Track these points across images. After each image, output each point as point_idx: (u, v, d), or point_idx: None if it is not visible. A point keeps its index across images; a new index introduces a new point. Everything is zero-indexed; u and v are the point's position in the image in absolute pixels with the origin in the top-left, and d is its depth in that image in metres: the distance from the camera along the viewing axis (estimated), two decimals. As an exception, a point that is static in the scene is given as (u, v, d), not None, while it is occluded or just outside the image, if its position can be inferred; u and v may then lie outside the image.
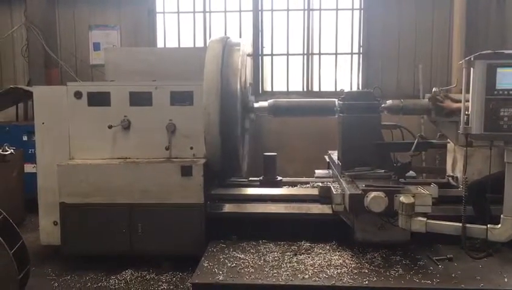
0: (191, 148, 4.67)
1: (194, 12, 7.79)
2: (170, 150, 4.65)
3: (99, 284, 4.30)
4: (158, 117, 4.66)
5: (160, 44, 7.86)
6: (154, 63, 5.09)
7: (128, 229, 4.48)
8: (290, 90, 7.91)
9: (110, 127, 4.61)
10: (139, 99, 4.67)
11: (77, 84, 5.10)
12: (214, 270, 3.77)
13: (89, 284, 4.31)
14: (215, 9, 7.81)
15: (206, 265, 3.88)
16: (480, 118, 3.23)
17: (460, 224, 3.52)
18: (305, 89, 7.88)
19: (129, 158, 4.69)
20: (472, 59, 3.27)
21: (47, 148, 4.74)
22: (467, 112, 3.35)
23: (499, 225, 3.42)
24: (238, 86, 4.46)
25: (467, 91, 3.35)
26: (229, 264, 3.88)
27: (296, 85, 7.92)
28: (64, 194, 4.49)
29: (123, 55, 5.40)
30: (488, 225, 3.46)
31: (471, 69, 3.28)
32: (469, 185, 4.30)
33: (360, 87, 7.53)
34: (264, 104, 4.90)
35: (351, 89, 7.66)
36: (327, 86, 7.81)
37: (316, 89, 7.86)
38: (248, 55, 7.74)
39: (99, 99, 4.69)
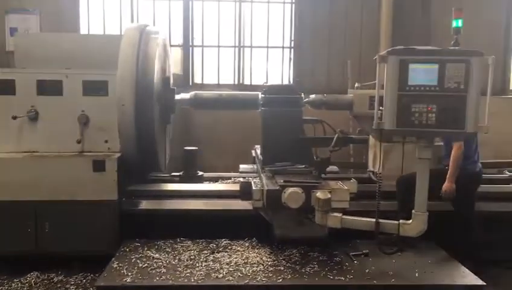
0: (106, 141, 4.41)
1: (120, -2, 7.42)
2: (82, 143, 4.37)
3: (0, 288, 3.96)
4: (69, 108, 4.36)
5: (84, 30, 7.42)
6: (69, 50, 4.73)
7: (34, 228, 4.16)
8: (221, 83, 7.72)
9: (14, 117, 4.26)
10: (48, 88, 4.36)
11: (-23, 71, 4.66)
12: (122, 271, 3.55)
13: (-12, 288, 3.97)
14: (143, -3, 7.47)
15: (115, 266, 3.65)
16: (392, 114, 3.21)
17: (374, 219, 3.52)
18: (236, 82, 7.72)
19: (36, 152, 4.35)
20: (385, 55, 3.24)
21: None
22: (380, 108, 3.33)
23: (410, 221, 3.45)
24: (156, 76, 4.23)
25: (381, 87, 3.32)
26: (140, 265, 3.68)
27: (228, 78, 7.75)
28: (-38, 191, 4.09)
29: (35, 41, 4.99)
30: (400, 221, 3.48)
31: (385, 64, 3.25)
32: (396, 180, 4.38)
33: (292, 81, 7.47)
34: (185, 96, 4.70)
35: (282, 83, 7.60)
36: (259, 80, 7.70)
37: (247, 82, 7.72)
38: (177, 45, 7.57)
39: (2, 88, 4.32)
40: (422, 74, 3.20)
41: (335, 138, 4.21)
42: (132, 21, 7.40)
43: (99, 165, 4.16)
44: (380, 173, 3.58)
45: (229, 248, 4.07)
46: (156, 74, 4.25)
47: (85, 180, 4.19)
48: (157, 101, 4.39)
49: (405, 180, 4.01)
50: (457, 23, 3.32)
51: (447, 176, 4.09)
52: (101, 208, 4.20)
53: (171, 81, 4.93)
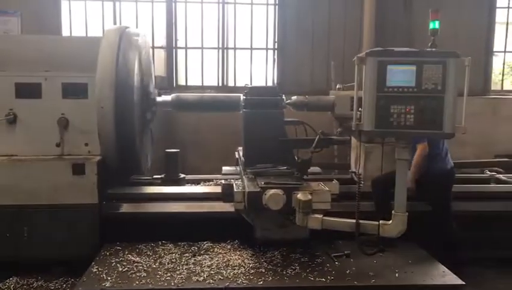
0: (86, 144, 4.35)
1: (102, 0, 7.35)
2: (62, 146, 4.31)
3: (-23, 296, 3.90)
4: (48, 111, 4.29)
5: (66, 32, 7.35)
6: (49, 52, 4.66)
7: (13, 233, 4.10)
8: (205, 84, 7.71)
9: (-8, 121, 4.19)
10: (27, 91, 4.28)
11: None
12: (102, 276, 3.51)
13: (-35, 295, 3.90)
14: (125, -2, 7.43)
15: (94, 270, 3.61)
16: (371, 115, 3.23)
17: (354, 220, 3.53)
18: (220, 84, 7.72)
19: (15, 155, 4.28)
20: (364, 56, 3.26)
21: None
22: (360, 109, 3.34)
23: (390, 221, 3.47)
24: (136, 79, 4.21)
25: (360, 88, 3.33)
26: (120, 269, 3.64)
27: (211, 80, 7.73)
28: None
29: (14, 43, 4.91)
30: (380, 221, 3.50)
31: (364, 66, 3.27)
32: (372, 180, 4.40)
33: (276, 83, 7.48)
34: (166, 98, 4.68)
35: (266, 84, 7.61)
36: (243, 81, 7.68)
37: (231, 83, 7.72)
38: (160, 47, 7.53)
39: (-21, 91, 4.24)
40: (400, 75, 3.22)
41: (316, 139, 4.21)
42: (115, 23, 7.35)
43: (78, 169, 4.11)
44: (360, 174, 3.59)
45: (211, 250, 4.05)
46: (136, 76, 4.22)
47: (65, 183, 4.14)
48: (138, 103, 4.36)
49: (380, 181, 4.02)
50: (434, 24, 3.34)
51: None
52: (81, 211, 4.15)
53: (153, 83, 4.90)
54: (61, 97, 4.30)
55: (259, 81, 7.69)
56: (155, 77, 7.17)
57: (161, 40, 7.60)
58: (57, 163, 4.18)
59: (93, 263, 3.76)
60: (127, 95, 4.17)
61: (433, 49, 3.28)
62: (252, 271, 3.61)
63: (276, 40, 7.67)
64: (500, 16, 7.95)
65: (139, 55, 4.39)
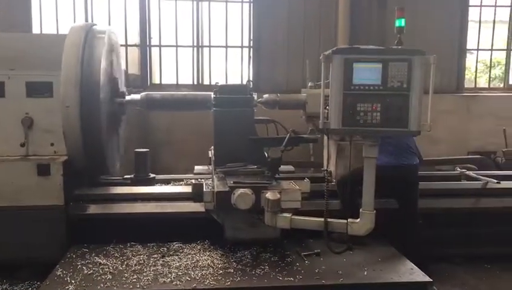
0: (52, 144, 4.24)
1: (74, -3, 7.23)
2: (27, 146, 4.20)
3: None
4: (12, 110, 4.17)
5: (36, 30, 7.20)
6: (13, 50, 4.54)
7: (-25, 236, 3.99)
8: (180, 83, 7.63)
9: (-47, 121, 4.06)
10: (-11, 90, 4.16)
11: None
12: (66, 279, 3.43)
13: None
14: (97, -5, 7.30)
15: (59, 273, 3.52)
16: (338, 113, 3.20)
17: (323, 219, 3.51)
18: (195, 82, 7.66)
19: (-23, 156, 4.16)
20: (330, 54, 3.24)
21: None
22: (326, 107, 3.32)
23: (358, 219, 3.46)
24: (102, 77, 4.12)
25: (327, 86, 3.31)
26: (85, 271, 3.56)
27: (187, 78, 7.66)
28: None
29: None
30: (349, 219, 3.49)
31: (330, 64, 3.25)
32: (339, 179, 4.39)
33: (247, 81, 7.42)
34: (136, 97, 4.61)
35: (241, 82, 7.56)
36: (218, 80, 7.62)
37: (206, 82, 7.66)
38: (134, 45, 7.42)
39: None
40: (366, 73, 3.20)
41: (286, 138, 4.18)
42: (86, 21, 7.22)
43: (43, 169, 4.01)
44: (328, 172, 3.58)
45: (180, 251, 3.99)
46: (102, 75, 4.13)
47: (29, 185, 4.03)
48: (105, 102, 4.27)
49: (345, 179, 4.01)
50: (400, 22, 3.33)
51: None
52: (47, 213, 4.05)
53: (122, 81, 4.81)
54: (25, 96, 4.19)
55: (235, 80, 7.66)
56: (129, 75, 7.11)
57: (135, 38, 7.50)
58: (21, 164, 4.07)
59: (57, 265, 3.67)
60: (93, 93, 4.08)
61: (399, 47, 3.27)
62: (221, 272, 3.56)
63: (251, 38, 7.63)
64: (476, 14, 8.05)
65: (107, 53, 4.30)
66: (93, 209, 4.25)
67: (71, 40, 4.14)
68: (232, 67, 7.71)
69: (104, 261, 3.76)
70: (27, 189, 4.04)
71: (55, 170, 4.04)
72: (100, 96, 4.12)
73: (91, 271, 3.57)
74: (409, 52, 3.16)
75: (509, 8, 8.07)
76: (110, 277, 3.46)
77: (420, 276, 3.50)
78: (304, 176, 4.60)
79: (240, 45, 7.66)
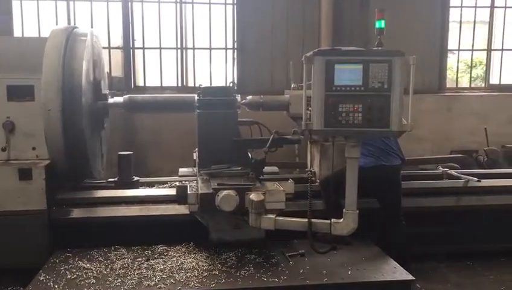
0: (34, 148, 4.21)
1: (55, 0, 7.14)
2: (8, 151, 4.16)
3: None
4: (-7, 114, 4.13)
5: (18, 33, 7.11)
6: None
7: (-45, 242, 3.94)
8: (164, 85, 7.60)
9: None
10: (-30, 94, 4.11)
11: None
12: (49, 284, 3.40)
13: None
14: (79, -2, 7.23)
15: (42, 279, 3.49)
16: (320, 114, 3.22)
17: (307, 220, 3.53)
18: (180, 84, 7.63)
19: (-42, 161, 4.10)
20: (312, 55, 3.26)
21: None
22: (309, 109, 3.35)
23: (341, 219, 3.49)
24: (84, 80, 4.09)
25: (309, 87, 3.33)
26: (69, 276, 3.53)
27: (171, 80, 7.64)
28: None
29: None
30: (332, 220, 3.51)
31: (312, 65, 3.27)
32: (320, 180, 4.42)
33: (230, 83, 7.43)
34: (118, 99, 4.58)
35: (226, 84, 7.56)
36: (203, 81, 7.60)
37: (191, 84, 7.64)
38: (117, 47, 7.38)
39: None
40: (347, 74, 3.22)
41: (270, 139, 4.20)
42: (69, 23, 7.15)
43: (25, 174, 3.97)
44: (312, 172, 3.60)
45: (165, 254, 3.98)
46: (84, 78, 4.11)
47: (11, 189, 4.00)
48: (88, 105, 4.25)
49: (329, 179, 4.04)
50: (380, 24, 3.36)
51: None
52: (29, 218, 4.02)
53: (105, 84, 4.79)
54: (6, 100, 4.14)
55: (219, 81, 7.65)
56: (112, 78, 7.07)
57: (118, 40, 7.45)
58: (2, 168, 4.03)
59: (41, 271, 3.64)
60: (75, 97, 4.05)
61: (379, 48, 3.30)
62: (205, 274, 3.56)
63: (235, 39, 7.64)
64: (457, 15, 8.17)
65: (89, 56, 4.28)
66: (76, 213, 4.23)
67: (52, 43, 4.11)
68: (216, 69, 7.71)
69: (88, 265, 3.74)
70: (9, 194, 4.01)
71: (37, 175, 4.00)
72: (82, 99, 4.09)
73: (74, 276, 3.54)
74: (389, 53, 3.19)
75: (489, 9, 8.19)
76: (94, 281, 3.44)
77: (403, 275, 3.54)
78: (288, 177, 4.64)
79: (224, 46, 7.66)
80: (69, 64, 4.07)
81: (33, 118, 4.14)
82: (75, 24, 6.99)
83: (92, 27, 7.11)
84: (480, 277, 4.52)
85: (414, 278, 3.50)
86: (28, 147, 4.19)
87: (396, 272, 3.58)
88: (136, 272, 3.61)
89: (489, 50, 8.28)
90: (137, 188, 4.77)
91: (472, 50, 8.27)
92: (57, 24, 7.14)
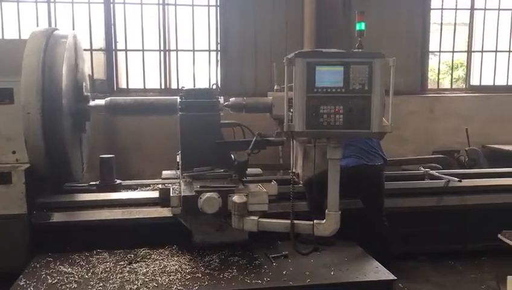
0: (14, 152, 4.15)
1: (36, 1, 7.05)
2: (-13, 155, 4.09)
3: None
4: (-29, 118, 4.07)
5: (-3, 35, 7.01)
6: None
7: None
8: (147, 87, 7.55)
9: None
10: None
11: None
12: (29, 289, 3.36)
13: None
14: (60, 0, 7.14)
15: (22, 284, 3.44)
16: (302, 116, 3.24)
17: (289, 221, 3.54)
18: (163, 86, 7.59)
19: None
20: (293, 57, 3.27)
21: None
22: (291, 110, 3.36)
23: (324, 220, 3.50)
24: (64, 83, 4.05)
25: (290, 89, 3.35)
26: (50, 281, 3.49)
27: (154, 82, 7.59)
28: None
29: None
30: (314, 221, 3.53)
31: (293, 67, 3.28)
32: (303, 181, 4.44)
33: (213, 85, 7.42)
34: (100, 102, 4.55)
35: (209, 86, 7.54)
36: (186, 84, 7.59)
37: (174, 86, 7.61)
38: (99, 50, 7.31)
39: None
40: (328, 76, 3.24)
41: (253, 141, 4.20)
42: (50, 25, 7.07)
43: (4, 178, 3.92)
44: (296, 174, 3.61)
45: (148, 257, 3.95)
46: (64, 80, 4.06)
47: (-10, 194, 3.94)
48: (68, 108, 4.21)
49: (312, 180, 4.06)
50: (360, 26, 3.40)
51: None
52: (9, 222, 3.96)
53: (86, 86, 4.74)
54: (-15, 103, 4.09)
55: (203, 83, 7.62)
56: (94, 80, 7.01)
57: (100, 42, 7.38)
58: (-20, 173, 3.97)
59: (21, 276, 3.59)
60: (55, 99, 4.01)
61: (360, 50, 3.33)
62: (189, 276, 3.55)
63: (218, 41, 7.63)
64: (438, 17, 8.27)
65: (69, 58, 4.24)
66: (57, 217, 4.18)
67: (32, 45, 4.06)
68: (199, 71, 7.68)
69: (69, 269, 3.70)
70: (-13, 198, 3.94)
71: (17, 178, 3.95)
72: (63, 102, 4.05)
73: (55, 280, 3.50)
74: (370, 55, 3.22)
75: (469, 11, 8.31)
76: (76, 286, 3.41)
77: (385, 274, 3.57)
78: (271, 179, 4.65)
79: (208, 48, 7.64)
80: (49, 67, 4.03)
81: (13, 121, 4.09)
82: (56, 26, 6.95)
83: (73, 29, 7.03)
84: (461, 276, 4.58)
85: (396, 278, 3.53)
86: (7, 151, 4.14)
87: (379, 272, 3.61)
88: (119, 275, 3.57)
89: (469, 52, 8.39)
90: (120, 191, 4.73)
91: (453, 52, 8.37)
92: (37, 26, 7.06)
